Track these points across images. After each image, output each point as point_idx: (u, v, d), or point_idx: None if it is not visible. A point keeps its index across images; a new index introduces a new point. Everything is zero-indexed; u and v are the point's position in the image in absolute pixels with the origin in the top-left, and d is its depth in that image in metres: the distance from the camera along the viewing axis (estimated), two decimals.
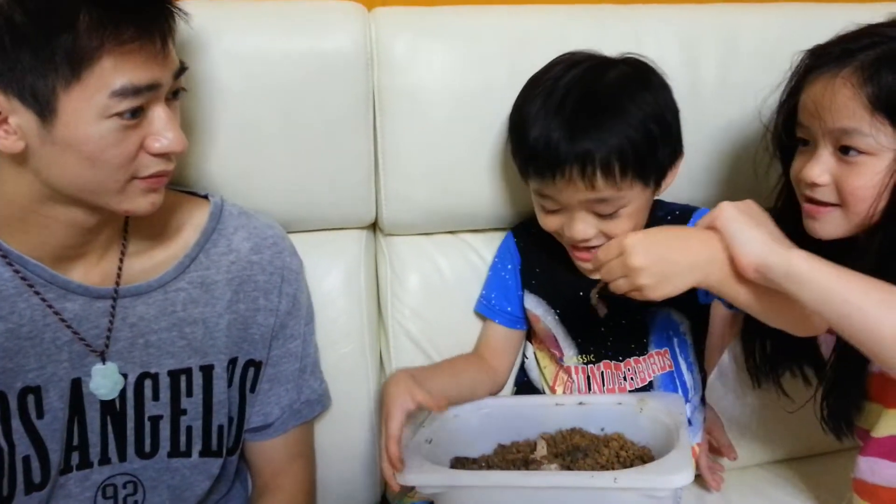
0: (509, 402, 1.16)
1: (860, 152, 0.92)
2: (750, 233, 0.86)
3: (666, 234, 0.93)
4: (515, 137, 1.07)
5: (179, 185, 1.04)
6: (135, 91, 0.81)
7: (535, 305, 1.16)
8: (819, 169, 0.95)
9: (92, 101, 0.80)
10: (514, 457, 1.05)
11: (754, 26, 1.22)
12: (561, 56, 1.07)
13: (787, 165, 1.04)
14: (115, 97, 0.80)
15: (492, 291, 1.19)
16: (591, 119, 0.99)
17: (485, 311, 1.19)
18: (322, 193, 1.17)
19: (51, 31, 0.77)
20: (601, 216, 1.02)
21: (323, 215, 1.20)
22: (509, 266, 1.18)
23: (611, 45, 1.12)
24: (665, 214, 1.13)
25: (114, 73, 0.80)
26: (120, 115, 0.81)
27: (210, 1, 1.06)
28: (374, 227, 1.25)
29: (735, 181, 1.22)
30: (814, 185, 0.96)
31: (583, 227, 1.03)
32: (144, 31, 0.81)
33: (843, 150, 0.93)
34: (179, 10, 0.87)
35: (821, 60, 0.96)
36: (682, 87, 1.11)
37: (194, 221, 1.00)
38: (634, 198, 1.02)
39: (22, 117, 0.80)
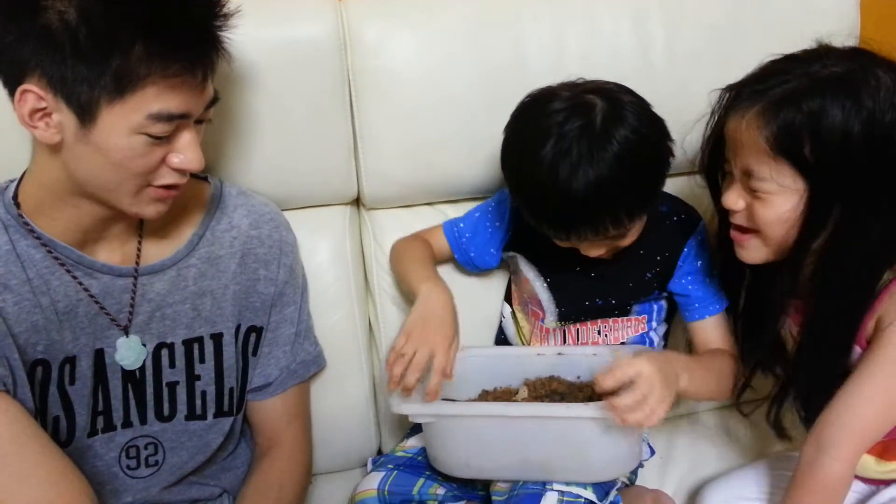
0: (494, 351, 1.24)
1: (765, 191, 0.95)
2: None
3: (660, 362, 0.98)
4: (523, 201, 1.06)
5: None
6: (169, 117, 0.88)
7: (527, 269, 1.20)
8: (734, 196, 0.99)
9: (129, 118, 0.87)
10: (498, 400, 1.13)
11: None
12: (546, 104, 1.03)
13: (717, 195, 1.05)
14: (150, 119, 0.87)
15: (467, 231, 1.23)
16: (598, 189, 0.98)
17: (450, 238, 1.24)
18: (307, 173, 1.24)
19: (107, 53, 0.84)
20: (609, 239, 1.07)
21: (309, 193, 1.27)
22: (497, 223, 1.21)
23: (566, 26, 1.21)
24: (669, 212, 1.15)
25: (154, 100, 0.87)
26: (151, 134, 0.89)
27: None
28: (357, 202, 1.32)
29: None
30: (732, 211, 1.00)
31: (594, 249, 1.09)
32: (189, 68, 0.88)
33: (752, 187, 0.97)
34: (225, 50, 0.94)
35: (736, 100, 0.97)
36: (633, 64, 1.21)
37: (198, 202, 1.08)
38: (641, 223, 1.07)
39: (64, 116, 0.87)
